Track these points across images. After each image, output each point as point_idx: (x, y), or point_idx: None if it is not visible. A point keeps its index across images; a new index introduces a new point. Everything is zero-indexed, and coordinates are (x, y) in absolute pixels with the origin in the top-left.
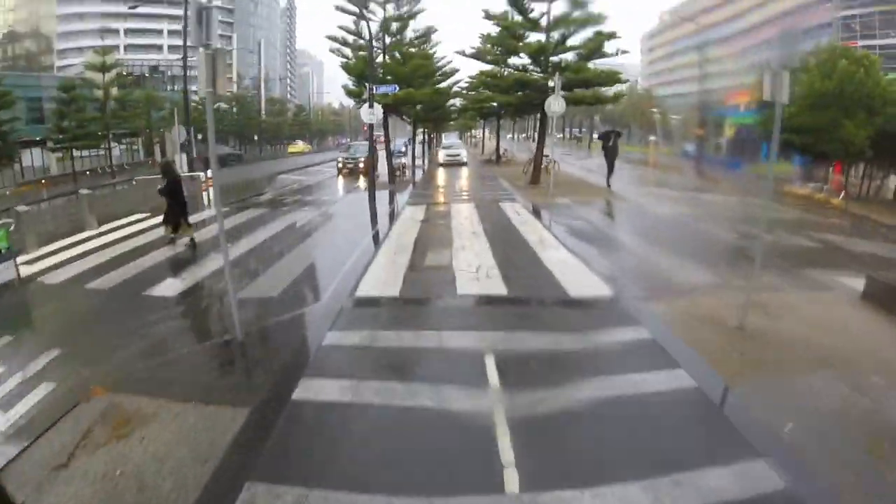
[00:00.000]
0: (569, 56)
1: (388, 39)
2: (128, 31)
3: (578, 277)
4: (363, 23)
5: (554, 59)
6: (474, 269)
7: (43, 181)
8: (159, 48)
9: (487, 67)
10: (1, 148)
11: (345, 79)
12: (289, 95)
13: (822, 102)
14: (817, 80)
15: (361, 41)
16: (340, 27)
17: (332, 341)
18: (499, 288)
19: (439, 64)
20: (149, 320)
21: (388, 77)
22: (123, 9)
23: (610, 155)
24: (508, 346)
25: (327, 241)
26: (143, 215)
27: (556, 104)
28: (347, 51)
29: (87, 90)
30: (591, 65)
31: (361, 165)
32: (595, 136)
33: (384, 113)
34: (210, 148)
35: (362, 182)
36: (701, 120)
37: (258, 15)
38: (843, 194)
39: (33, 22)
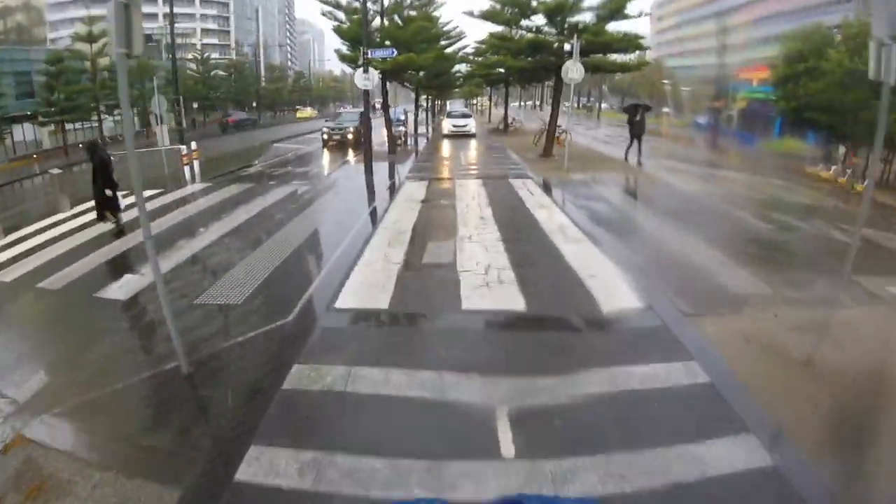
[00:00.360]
0: (587, 17)
1: (386, 1)
2: None
3: (609, 282)
4: None
5: (571, 19)
6: (483, 270)
7: (35, 156)
8: (154, 17)
9: (497, 29)
10: None
11: (340, 44)
12: (289, 63)
13: (851, 81)
14: (846, 57)
15: (357, 3)
16: None
17: (296, 382)
18: (514, 300)
19: (445, 28)
20: (93, 334)
21: (387, 42)
22: None
23: (636, 130)
24: (528, 400)
25: (311, 227)
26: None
27: (574, 70)
28: (340, 14)
29: (77, 62)
30: (609, 28)
31: (350, 137)
32: (604, 105)
33: (383, 79)
34: (124, 116)
35: (352, 156)
36: (717, 92)
37: None
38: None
39: None
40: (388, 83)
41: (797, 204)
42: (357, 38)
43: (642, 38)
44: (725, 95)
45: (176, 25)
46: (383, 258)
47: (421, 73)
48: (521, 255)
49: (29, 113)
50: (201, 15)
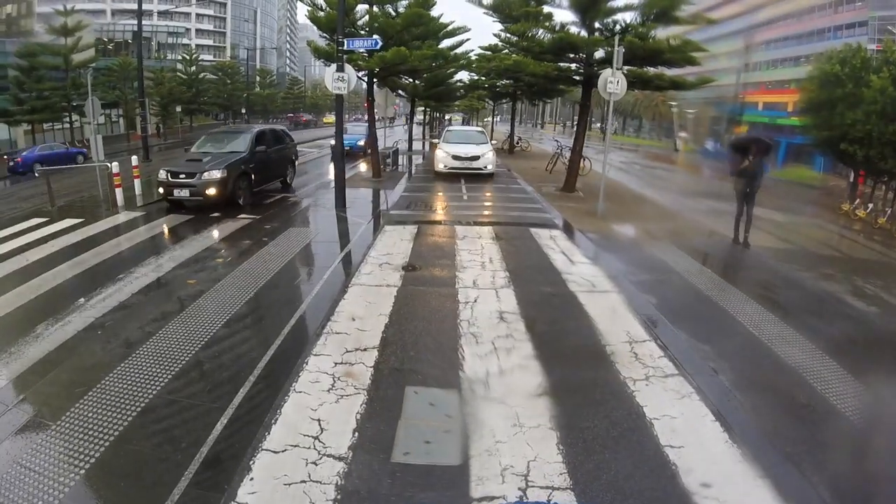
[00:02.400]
0: (627, 16)
1: None
2: None
3: None
4: None
5: (608, 19)
6: None
7: (5, 157)
8: (149, 14)
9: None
10: None
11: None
12: (288, 69)
13: (893, 111)
14: (888, 83)
15: None
16: None
17: None
18: None
19: (445, 24)
20: None
21: (375, 35)
22: None
23: (747, 181)
24: None
25: (209, 331)
26: (39, 221)
27: (614, 82)
28: None
29: (51, 57)
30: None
31: (214, 192)
32: (597, 125)
33: (369, 83)
34: None
35: (217, 234)
36: (736, 117)
37: None
38: None
39: None
40: (374, 89)
41: (870, 264)
42: (336, 26)
43: (705, 50)
44: (739, 120)
45: (169, 24)
46: (309, 446)
47: (418, 83)
48: (602, 470)
49: (2, 109)
50: (197, 14)
